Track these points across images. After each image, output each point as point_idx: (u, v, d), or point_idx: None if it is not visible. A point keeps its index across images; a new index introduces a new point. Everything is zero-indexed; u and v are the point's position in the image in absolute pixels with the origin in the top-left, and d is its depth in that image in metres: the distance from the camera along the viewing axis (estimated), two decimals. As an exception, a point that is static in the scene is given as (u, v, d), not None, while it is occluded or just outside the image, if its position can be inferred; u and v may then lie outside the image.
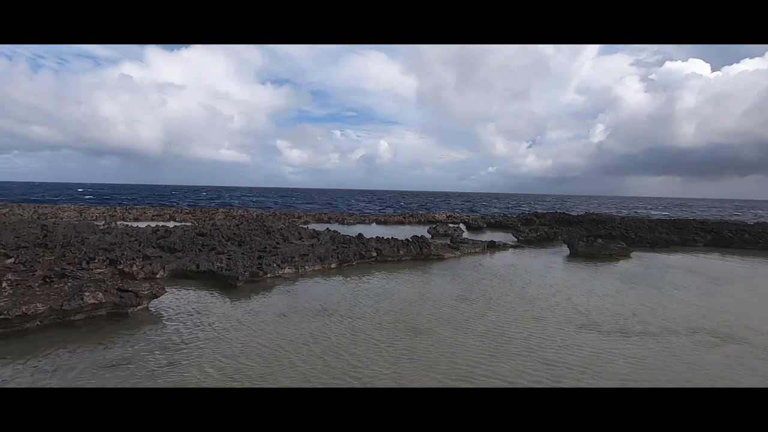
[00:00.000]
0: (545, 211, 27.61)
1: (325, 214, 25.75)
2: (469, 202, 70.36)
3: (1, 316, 4.84)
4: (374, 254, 10.27)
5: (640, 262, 11.44)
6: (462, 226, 20.17)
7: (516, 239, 15.05)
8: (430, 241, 11.99)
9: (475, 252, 12.22)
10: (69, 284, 5.80)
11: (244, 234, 12.04)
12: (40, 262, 7.52)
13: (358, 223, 21.93)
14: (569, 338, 5.29)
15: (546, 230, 16.45)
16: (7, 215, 17.76)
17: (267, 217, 21.51)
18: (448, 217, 25.47)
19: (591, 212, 27.51)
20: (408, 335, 5.30)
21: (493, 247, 13.07)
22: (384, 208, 43.28)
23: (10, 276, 6.06)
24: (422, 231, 16.85)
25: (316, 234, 12.85)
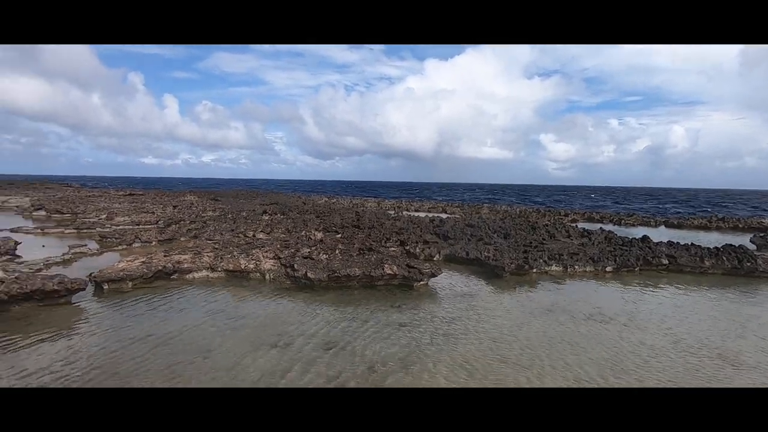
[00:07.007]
0: None
1: (597, 212, 23.07)
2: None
3: (335, 274, 6.62)
4: (665, 261, 8.50)
5: None
6: (815, 237, 14.10)
7: None
8: (756, 253, 8.96)
9: (844, 275, 8.32)
10: (374, 257, 7.35)
11: (509, 228, 12.21)
12: (356, 238, 9.85)
13: (640, 224, 18.63)
14: None
15: None
16: (334, 204, 24.10)
17: (531, 213, 21.07)
18: (787, 223, 18.31)
19: None
20: (718, 364, 4.15)
21: None
22: (674, 208, 34.85)
23: (340, 246, 8.21)
24: (740, 240, 12.77)
25: (587, 233, 11.69)
